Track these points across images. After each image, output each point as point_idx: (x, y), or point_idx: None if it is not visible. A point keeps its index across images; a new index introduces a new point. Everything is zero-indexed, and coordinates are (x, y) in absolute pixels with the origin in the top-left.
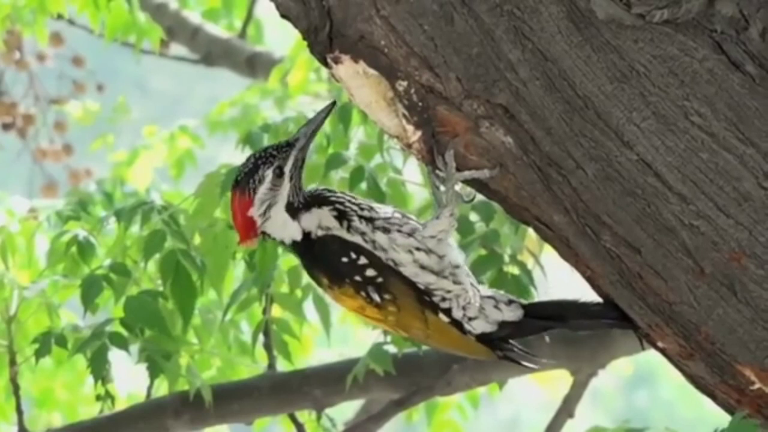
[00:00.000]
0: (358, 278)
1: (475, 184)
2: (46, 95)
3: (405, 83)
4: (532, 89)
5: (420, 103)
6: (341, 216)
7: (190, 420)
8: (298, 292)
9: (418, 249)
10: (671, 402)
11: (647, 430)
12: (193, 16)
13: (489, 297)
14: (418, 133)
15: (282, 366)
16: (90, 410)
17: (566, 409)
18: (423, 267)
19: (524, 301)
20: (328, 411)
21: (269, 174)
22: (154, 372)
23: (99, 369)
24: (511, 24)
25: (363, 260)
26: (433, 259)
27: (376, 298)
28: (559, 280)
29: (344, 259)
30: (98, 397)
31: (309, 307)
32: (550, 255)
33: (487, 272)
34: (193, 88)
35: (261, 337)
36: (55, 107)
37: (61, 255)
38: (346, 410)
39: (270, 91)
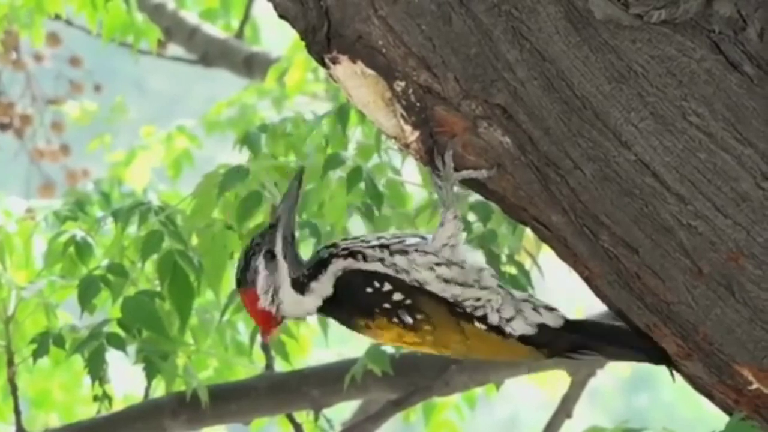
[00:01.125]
0: (386, 305)
1: (473, 184)
2: (43, 95)
3: (403, 83)
4: (530, 89)
5: (418, 104)
6: (351, 255)
7: (187, 420)
8: None
9: (438, 264)
10: (671, 402)
11: (646, 431)
12: (191, 16)
13: (526, 300)
14: (416, 134)
15: (280, 366)
16: (86, 411)
17: (564, 409)
18: (447, 281)
19: (565, 314)
20: (326, 411)
21: (261, 262)
22: (151, 372)
23: (96, 369)
24: (509, 24)
25: (387, 286)
26: (455, 270)
27: (409, 320)
28: (557, 281)
29: (369, 290)
30: (95, 398)
31: None
32: (547, 256)
33: None
34: (192, 89)
35: (258, 338)
36: (53, 107)
37: (59, 255)
38: (344, 411)
39: (267, 91)
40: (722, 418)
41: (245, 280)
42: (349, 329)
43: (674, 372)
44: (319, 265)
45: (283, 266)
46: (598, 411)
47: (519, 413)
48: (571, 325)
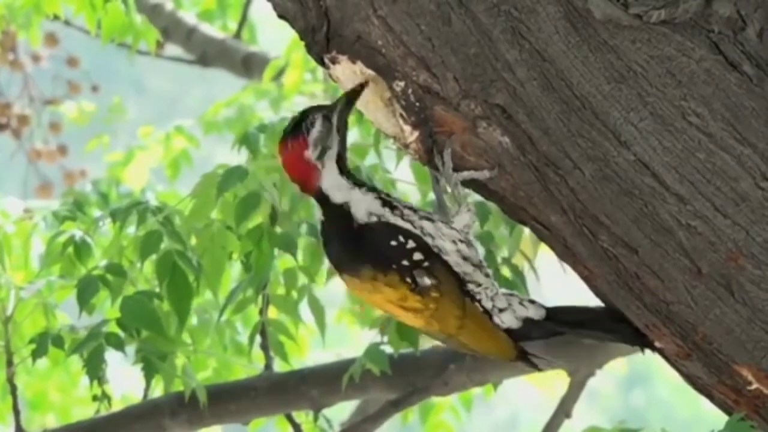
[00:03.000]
0: (405, 262)
1: (472, 184)
2: (40, 96)
3: (402, 83)
4: (530, 89)
5: (417, 104)
6: (388, 205)
7: (187, 420)
8: (294, 294)
9: (460, 240)
10: (668, 401)
11: (643, 430)
12: (189, 16)
13: (511, 295)
14: (416, 134)
15: (279, 367)
16: (84, 412)
17: (563, 409)
18: (465, 258)
19: (545, 304)
20: (325, 411)
21: (319, 118)
22: (149, 373)
23: (95, 369)
24: (509, 24)
25: (412, 243)
26: (473, 250)
27: (424, 281)
28: (553, 284)
29: (393, 243)
30: (95, 398)
31: (305, 309)
32: (543, 259)
33: None
34: (190, 89)
35: (258, 338)
36: (50, 108)
37: (57, 255)
38: (343, 411)
39: (265, 91)
40: (719, 417)
41: (299, 128)
42: (340, 270)
43: (647, 350)
44: (361, 181)
45: (335, 137)
46: (596, 410)
47: (518, 413)
48: (553, 314)
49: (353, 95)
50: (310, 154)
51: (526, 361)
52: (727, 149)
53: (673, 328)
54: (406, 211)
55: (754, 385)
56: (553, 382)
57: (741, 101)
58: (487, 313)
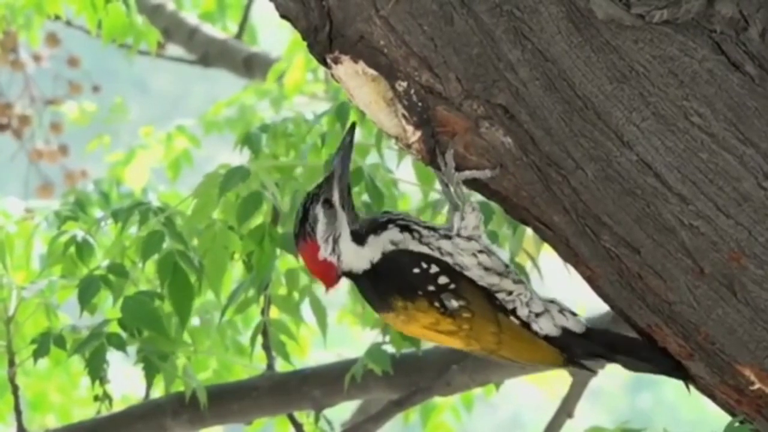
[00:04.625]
0: (431, 288)
1: (475, 184)
2: (41, 96)
3: (405, 83)
4: (532, 89)
5: (420, 104)
6: (406, 229)
7: (188, 420)
8: (296, 294)
9: (480, 252)
10: (673, 403)
11: (646, 431)
12: (190, 17)
13: (552, 302)
14: (418, 134)
15: (280, 367)
16: (84, 413)
17: (565, 409)
18: (487, 269)
19: (586, 322)
20: (326, 411)
21: (320, 210)
22: (150, 373)
23: (97, 369)
24: (511, 24)
25: (435, 268)
26: (495, 259)
27: (452, 304)
28: (557, 283)
29: (416, 270)
30: (96, 398)
31: (306, 309)
32: (547, 258)
33: None
34: (193, 89)
35: (260, 338)
36: (51, 108)
37: (59, 255)
38: (344, 411)
39: (266, 91)
40: (724, 420)
41: (304, 231)
42: (377, 310)
43: (689, 385)
44: (375, 226)
45: (342, 216)
46: (601, 411)
47: (520, 413)
48: (591, 333)
49: (347, 150)
50: (324, 253)
51: (577, 364)
52: (730, 149)
53: (676, 328)
54: (425, 232)
55: (757, 386)
56: (555, 382)
57: (743, 101)
58: (525, 324)
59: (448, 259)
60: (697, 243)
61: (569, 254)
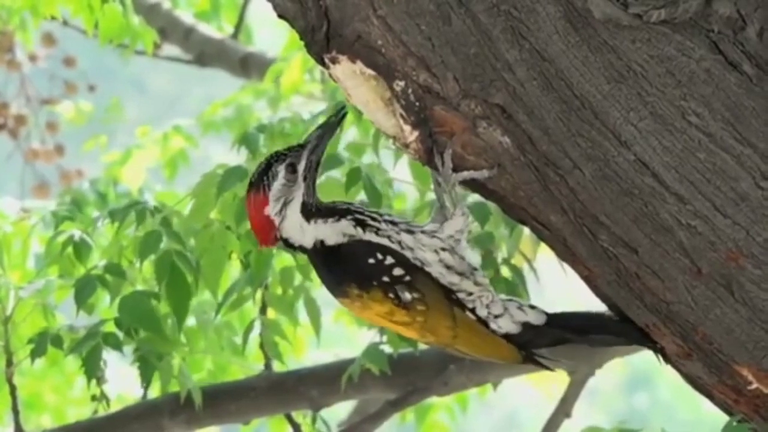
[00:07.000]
0: (386, 279)
1: (472, 184)
2: (37, 96)
3: (402, 83)
4: (530, 89)
5: (417, 103)
6: (361, 224)
7: (185, 420)
8: (291, 293)
9: (443, 249)
10: (670, 403)
11: (643, 431)
12: (186, 16)
13: (510, 300)
14: (416, 133)
15: (278, 367)
16: (79, 413)
17: (563, 408)
18: (448, 267)
19: (547, 310)
20: (322, 411)
21: (282, 170)
22: (146, 373)
23: (93, 369)
24: (509, 24)
25: (390, 260)
26: (457, 259)
27: (406, 296)
28: (553, 284)
29: (371, 261)
30: (93, 398)
31: (302, 309)
32: (544, 258)
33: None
34: (190, 89)
35: (258, 338)
36: (47, 108)
37: (57, 255)
38: (340, 411)
39: (263, 91)
40: (721, 420)
41: (260, 182)
42: (333, 294)
43: (659, 356)
44: (332, 211)
45: (300, 185)
46: (598, 411)
47: (518, 412)
48: (551, 320)
49: (329, 129)
50: (270, 209)
51: (534, 362)
52: (727, 149)
53: (674, 328)
54: (383, 226)
55: (754, 385)
56: (552, 382)
57: (741, 101)
58: (483, 321)
59: (407, 253)
60: (694, 243)
61: (567, 254)
